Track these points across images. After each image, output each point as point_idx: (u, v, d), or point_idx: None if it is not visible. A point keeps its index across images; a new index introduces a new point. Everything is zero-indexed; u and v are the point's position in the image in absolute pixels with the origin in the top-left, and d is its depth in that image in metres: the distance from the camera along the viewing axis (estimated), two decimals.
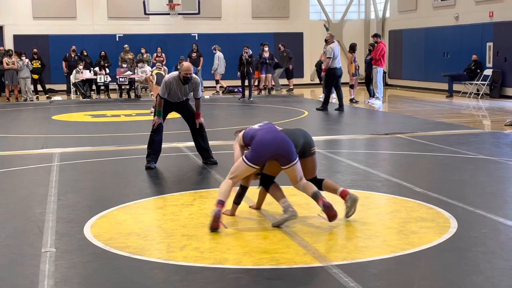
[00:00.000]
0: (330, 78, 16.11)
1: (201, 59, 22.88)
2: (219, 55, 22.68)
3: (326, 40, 16.64)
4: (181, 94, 8.62)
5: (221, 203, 5.62)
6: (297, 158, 5.80)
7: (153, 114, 8.92)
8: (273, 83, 22.91)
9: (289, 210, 5.64)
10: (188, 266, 4.70)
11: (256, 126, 5.99)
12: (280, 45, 22.86)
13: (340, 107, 15.90)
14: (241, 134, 6.05)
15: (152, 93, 20.97)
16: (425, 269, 4.66)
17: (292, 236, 5.37)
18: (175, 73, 8.69)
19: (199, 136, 8.86)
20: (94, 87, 21.72)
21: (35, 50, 21.54)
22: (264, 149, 5.72)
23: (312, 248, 5.03)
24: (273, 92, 22.53)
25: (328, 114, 15.45)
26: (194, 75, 8.58)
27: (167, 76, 8.68)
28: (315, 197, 5.77)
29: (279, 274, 4.54)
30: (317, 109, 16.03)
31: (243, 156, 5.81)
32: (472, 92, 19.66)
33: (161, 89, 8.56)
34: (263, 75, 22.22)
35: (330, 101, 16.61)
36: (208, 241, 5.28)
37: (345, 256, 4.84)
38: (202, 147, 8.89)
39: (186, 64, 8.65)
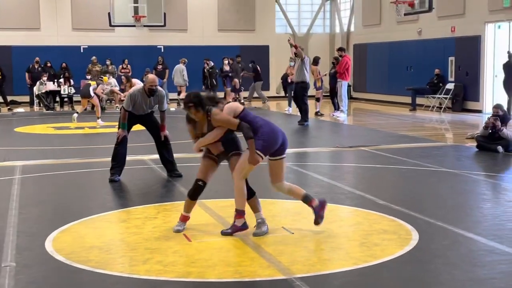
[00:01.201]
0: (302, 92, 15.78)
1: (167, 71, 22.83)
2: (178, 67, 22.63)
3: (295, 54, 16.34)
4: (146, 107, 8.57)
5: (243, 214, 5.72)
6: None
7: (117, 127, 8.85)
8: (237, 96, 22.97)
9: (263, 227, 5.75)
10: (151, 280, 4.67)
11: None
12: (229, 59, 22.55)
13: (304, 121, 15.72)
14: (235, 107, 5.83)
15: (117, 105, 20.87)
16: (388, 281, 4.71)
17: (256, 248, 5.38)
18: (140, 85, 8.63)
19: (163, 148, 8.83)
20: (58, 99, 21.49)
21: None
22: (276, 139, 5.81)
23: (276, 260, 5.05)
24: (260, 105, 22.55)
25: (294, 127, 15.51)
26: (159, 88, 8.56)
27: (132, 89, 8.64)
28: (307, 198, 5.87)
29: (243, 287, 4.54)
30: (299, 123, 15.61)
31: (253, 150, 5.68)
32: (435, 106, 19.97)
33: (125, 101, 8.52)
34: (228, 89, 22.25)
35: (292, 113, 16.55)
36: (172, 255, 5.26)
37: (308, 269, 4.86)
38: (167, 160, 8.85)
39: (151, 76, 8.63)
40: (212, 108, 5.82)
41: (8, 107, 21.00)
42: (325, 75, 19.50)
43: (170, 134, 8.91)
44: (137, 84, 17.23)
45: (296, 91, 16.15)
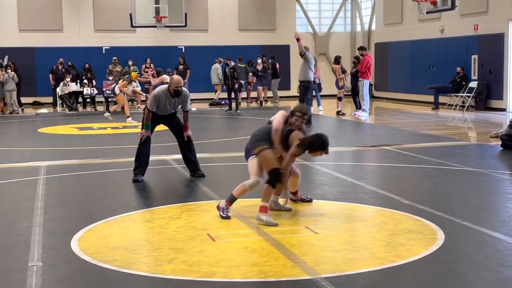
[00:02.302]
0: (305, 91, 15.44)
1: (188, 71, 22.90)
2: (214, 66, 22.94)
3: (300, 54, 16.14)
4: (170, 107, 8.59)
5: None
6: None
7: (140, 127, 8.89)
8: (266, 94, 23.04)
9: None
10: (176, 280, 4.68)
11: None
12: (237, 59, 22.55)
13: (308, 122, 15.48)
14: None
15: (139, 105, 20.98)
16: (413, 282, 4.68)
17: (280, 248, 5.37)
18: (165, 86, 8.65)
19: (186, 148, 8.84)
20: (80, 99, 21.66)
21: (10, 62, 21.25)
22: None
23: (300, 260, 5.03)
24: (269, 104, 22.60)
25: (314, 126, 15.46)
26: (184, 88, 8.56)
27: (157, 90, 8.65)
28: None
29: (268, 287, 4.53)
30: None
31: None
32: (458, 104, 19.81)
33: (149, 102, 8.54)
34: (260, 87, 22.34)
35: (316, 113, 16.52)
36: (196, 254, 5.27)
37: (333, 269, 4.84)
38: (190, 160, 8.87)
39: (177, 77, 8.64)
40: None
41: (22, 107, 21.01)
42: (346, 74, 19.45)
43: (192, 134, 8.93)
44: (167, 79, 17.38)
45: (300, 91, 15.89)
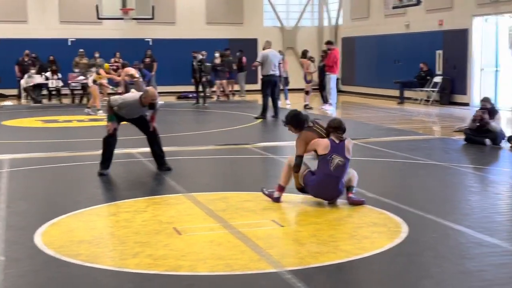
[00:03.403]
0: (264, 86, 15.57)
1: (155, 64, 22.74)
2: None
3: (263, 48, 16.09)
4: (137, 114, 8.52)
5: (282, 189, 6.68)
6: None
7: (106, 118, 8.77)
8: (234, 88, 22.99)
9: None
10: (141, 274, 4.66)
11: None
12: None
13: (276, 115, 15.46)
14: (320, 144, 6.63)
15: (105, 98, 20.75)
16: (377, 274, 4.73)
17: (246, 242, 5.38)
18: (137, 95, 8.50)
19: (153, 142, 8.76)
20: (45, 92, 21.37)
21: None
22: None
23: (266, 254, 5.05)
24: (236, 97, 22.57)
25: (281, 120, 15.47)
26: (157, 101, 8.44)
27: (129, 97, 8.51)
28: None
29: (234, 280, 4.54)
30: (255, 117, 15.49)
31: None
32: (423, 99, 20.04)
33: (115, 102, 8.36)
34: (218, 81, 22.23)
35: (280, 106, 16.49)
36: (162, 248, 5.25)
37: (298, 262, 4.87)
38: (157, 154, 8.82)
39: (152, 90, 8.50)
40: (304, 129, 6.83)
41: None
42: (313, 60, 19.64)
43: (159, 127, 8.86)
44: (131, 71, 17.20)
45: (262, 85, 15.86)
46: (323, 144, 6.52)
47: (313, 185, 6.52)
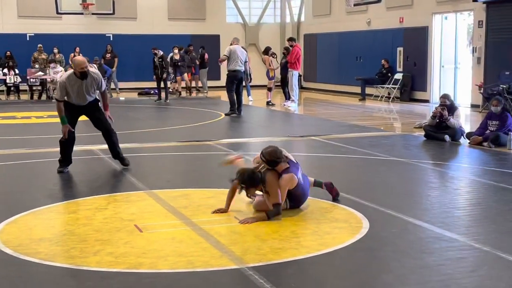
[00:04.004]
0: (229, 82, 15.58)
1: (116, 60, 22.52)
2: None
3: (231, 44, 16.11)
4: (84, 93, 8.03)
5: None
6: None
7: None
8: (198, 84, 22.91)
9: None
10: (102, 272, 4.61)
11: None
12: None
13: (239, 111, 15.49)
14: (291, 182, 6.09)
15: None
16: (339, 269, 4.77)
17: (208, 239, 5.36)
18: (69, 71, 8.05)
19: (109, 140, 8.52)
20: (3, 88, 20.97)
21: None
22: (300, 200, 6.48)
23: (228, 250, 5.04)
24: (199, 94, 22.49)
25: (243, 116, 15.51)
26: (91, 69, 8.01)
27: (61, 77, 8.07)
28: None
29: (195, 277, 4.52)
30: (226, 114, 15.47)
31: None
32: (384, 96, 20.26)
33: (56, 91, 8.04)
34: (179, 77, 22.10)
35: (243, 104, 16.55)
36: (123, 246, 5.20)
37: (260, 258, 4.87)
38: (114, 151, 8.60)
39: (78, 58, 8.00)
40: (266, 174, 6.04)
41: None
42: (275, 56, 19.73)
43: (121, 123, 8.76)
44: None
45: (227, 80, 15.84)
46: (293, 179, 6.08)
47: (298, 200, 6.31)
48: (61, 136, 8.27)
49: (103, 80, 8.24)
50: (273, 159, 6.06)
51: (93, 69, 8.05)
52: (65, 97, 8.03)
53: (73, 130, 8.27)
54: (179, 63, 21.73)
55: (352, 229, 5.65)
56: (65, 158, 8.36)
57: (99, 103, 8.51)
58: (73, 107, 8.14)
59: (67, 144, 8.26)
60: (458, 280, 4.43)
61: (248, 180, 5.96)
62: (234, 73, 15.55)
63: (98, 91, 8.32)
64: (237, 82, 15.58)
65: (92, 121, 8.54)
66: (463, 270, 4.64)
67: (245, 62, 15.89)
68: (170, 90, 21.53)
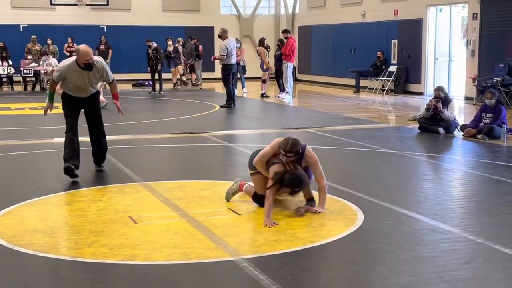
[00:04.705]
0: (227, 75, 15.55)
1: (110, 51, 22.44)
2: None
3: (219, 36, 15.91)
4: (86, 84, 7.34)
5: None
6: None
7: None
8: (193, 77, 22.86)
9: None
10: (97, 263, 4.61)
11: None
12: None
13: (234, 103, 15.47)
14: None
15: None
16: (334, 261, 4.78)
17: (203, 230, 5.37)
18: (71, 59, 7.35)
19: (96, 140, 7.93)
20: None
21: None
22: None
23: (223, 242, 5.05)
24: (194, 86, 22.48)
25: (238, 109, 15.50)
26: (96, 59, 7.32)
27: (65, 62, 7.38)
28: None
29: (190, 269, 4.53)
30: (221, 106, 15.47)
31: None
32: (378, 88, 20.26)
33: (56, 74, 7.36)
34: (173, 69, 22.04)
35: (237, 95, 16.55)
36: (118, 237, 5.19)
37: (255, 250, 4.88)
38: (96, 152, 7.98)
39: (83, 48, 7.17)
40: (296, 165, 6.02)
41: None
42: (269, 50, 19.74)
43: (116, 115, 8.68)
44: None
45: (224, 73, 15.77)
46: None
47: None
48: (65, 130, 7.63)
49: (108, 70, 7.48)
50: (298, 148, 6.01)
51: (97, 57, 7.32)
52: (60, 80, 7.36)
53: (51, 107, 7.58)
54: (172, 55, 21.68)
55: (346, 221, 5.66)
56: (73, 150, 7.56)
57: (100, 95, 7.89)
58: (73, 103, 7.53)
59: (70, 131, 7.55)
60: (452, 271, 4.44)
61: (300, 183, 5.81)
62: (231, 66, 15.62)
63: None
64: (232, 75, 15.66)
65: (87, 119, 7.86)
66: (457, 262, 4.66)
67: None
68: (184, 79, 21.76)
